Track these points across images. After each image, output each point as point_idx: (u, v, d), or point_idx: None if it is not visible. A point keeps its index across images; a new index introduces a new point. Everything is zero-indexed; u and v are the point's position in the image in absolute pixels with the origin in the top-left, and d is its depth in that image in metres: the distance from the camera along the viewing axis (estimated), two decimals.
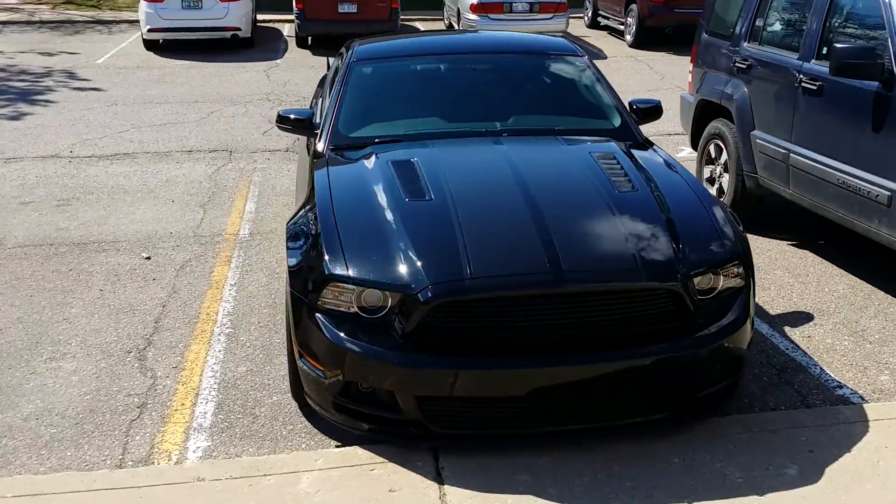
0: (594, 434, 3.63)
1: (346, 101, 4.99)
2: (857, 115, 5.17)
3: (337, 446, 3.86)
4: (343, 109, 4.95)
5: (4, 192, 7.71)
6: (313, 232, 3.88)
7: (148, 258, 6.23)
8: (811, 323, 5.06)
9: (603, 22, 18.54)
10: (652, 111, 5.26)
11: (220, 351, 4.81)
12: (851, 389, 4.35)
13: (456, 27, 17.14)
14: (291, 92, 12.33)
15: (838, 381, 4.43)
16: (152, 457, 3.81)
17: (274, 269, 5.97)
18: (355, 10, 16.13)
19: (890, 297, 5.42)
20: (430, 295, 3.41)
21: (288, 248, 3.95)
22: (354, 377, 3.55)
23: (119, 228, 6.82)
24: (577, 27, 18.59)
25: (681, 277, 3.54)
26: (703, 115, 7.01)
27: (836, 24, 5.60)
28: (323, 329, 3.57)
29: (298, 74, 13.55)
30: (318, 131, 4.94)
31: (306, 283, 3.70)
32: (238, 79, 13.26)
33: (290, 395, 4.16)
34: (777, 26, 6.35)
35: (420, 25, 18.47)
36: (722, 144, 6.66)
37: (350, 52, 5.47)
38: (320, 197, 4.12)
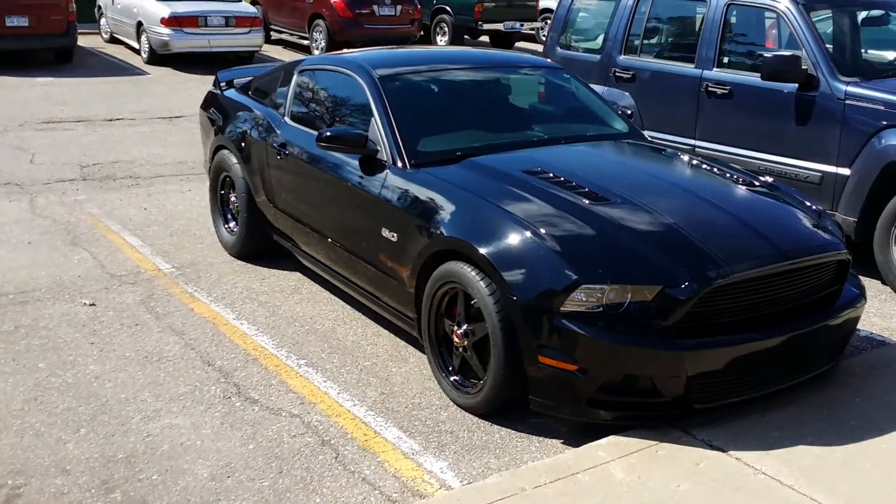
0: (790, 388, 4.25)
1: (397, 118, 4.99)
2: (780, 112, 6.30)
3: (563, 442, 4.04)
4: (399, 126, 4.96)
5: None
6: (521, 241, 3.97)
7: (93, 304, 5.57)
8: None
9: (276, 37, 18.69)
10: (631, 115, 5.96)
11: (328, 379, 4.60)
12: None
13: (135, 45, 16.23)
14: None
15: None
16: (413, 486, 3.69)
17: (257, 298, 5.67)
18: (26, 24, 14.67)
19: None
20: (696, 286, 3.77)
21: (497, 259, 3.96)
22: (620, 370, 3.78)
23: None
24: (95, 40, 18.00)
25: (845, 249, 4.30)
26: None
27: (730, 38, 6.73)
28: (580, 330, 3.75)
29: None
30: (381, 149, 4.89)
31: (544, 289, 3.83)
32: None
33: (445, 407, 4.26)
34: (657, 40, 7.36)
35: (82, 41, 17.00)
36: None
37: (357, 67, 5.39)
38: (490, 211, 4.15)
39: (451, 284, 4.25)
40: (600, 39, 7.67)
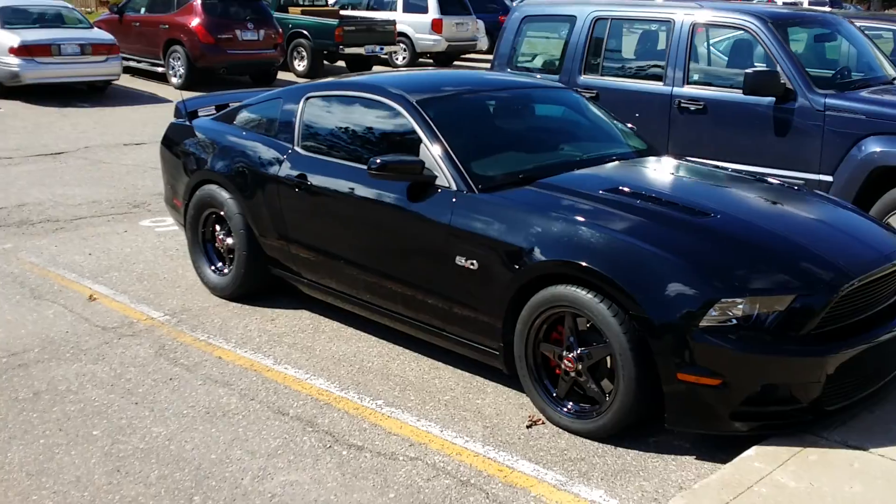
0: None
1: (449, 142, 4.88)
2: (758, 125, 6.63)
3: (696, 458, 4.06)
4: (455, 151, 4.85)
5: None
6: (646, 260, 3.97)
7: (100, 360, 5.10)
8: None
9: (127, 64, 17.73)
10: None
11: (421, 418, 4.41)
12: None
13: None
14: None
15: None
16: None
17: (282, 340, 5.37)
18: None
19: None
20: (827, 293, 3.88)
21: (624, 279, 3.92)
22: (760, 381, 3.85)
23: None
24: None
25: None
26: None
27: (698, 56, 7.03)
28: (722, 344, 3.79)
29: None
30: (440, 175, 4.76)
31: (681, 306, 3.84)
32: None
33: (556, 434, 4.21)
34: (619, 59, 7.56)
35: None
36: None
37: (388, 92, 5.21)
38: (596, 231, 4.12)
39: (556, 309, 4.17)
40: (556, 60, 7.78)
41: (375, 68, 19.59)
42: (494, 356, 4.53)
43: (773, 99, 6.47)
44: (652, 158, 5.34)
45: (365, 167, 4.91)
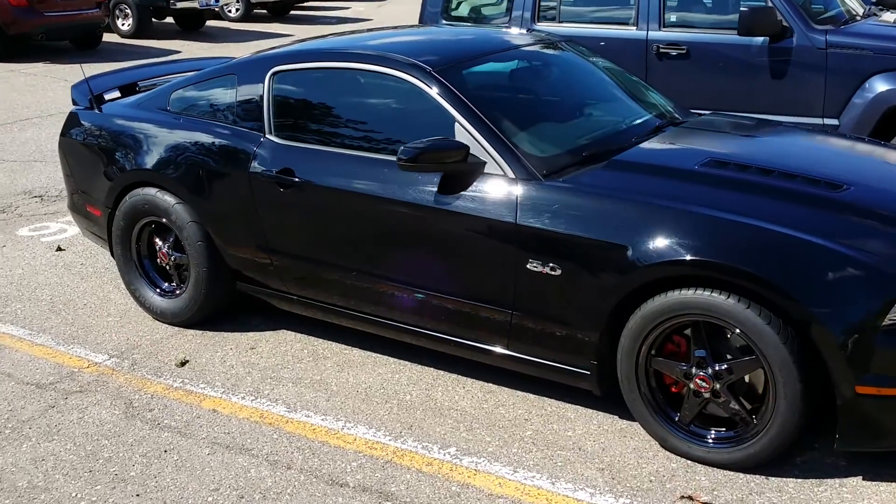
0: None
1: (493, 120, 3.97)
2: (750, 68, 6.04)
3: (863, 478, 3.45)
4: (500, 128, 3.95)
5: None
6: (802, 254, 3.26)
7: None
8: None
9: None
10: None
11: (517, 468, 3.55)
12: None
13: None
14: None
15: None
16: None
17: (279, 376, 4.36)
18: None
19: None
20: None
21: (785, 280, 3.20)
22: None
23: None
24: None
25: None
26: None
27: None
28: None
29: None
30: (489, 161, 3.86)
31: (859, 307, 3.17)
32: None
33: (690, 469, 3.49)
34: (578, 6, 6.74)
35: None
36: None
37: (392, 61, 4.21)
38: (726, 221, 3.38)
39: (680, 319, 3.41)
40: (503, 6, 6.88)
41: (209, 23, 17.92)
42: (582, 377, 3.72)
43: (767, 39, 5.87)
44: (708, 118, 4.66)
45: (376, 156, 4.04)
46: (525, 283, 3.71)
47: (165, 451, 3.74)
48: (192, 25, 17.45)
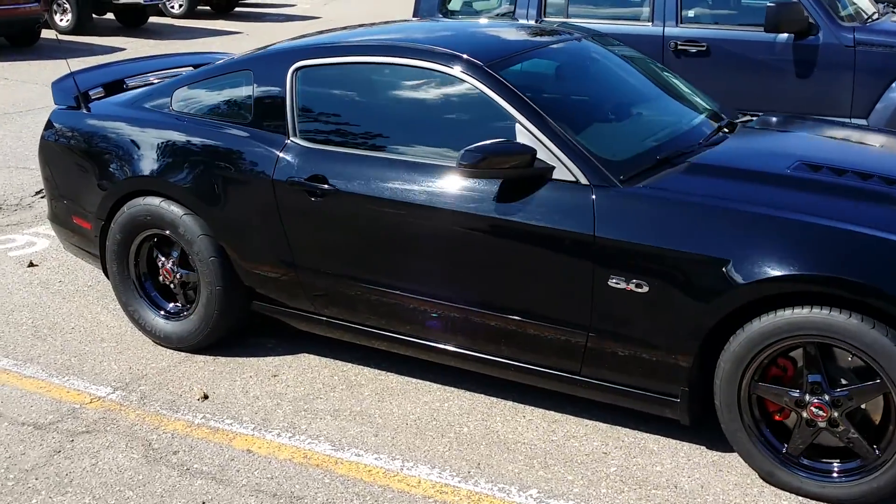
0: None
1: (556, 119, 3.59)
2: (774, 66, 5.77)
3: None
4: (566, 130, 3.57)
5: None
6: None
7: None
8: None
9: None
10: None
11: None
12: None
13: None
14: None
15: None
16: None
17: (314, 408, 3.91)
18: None
19: None
20: None
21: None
22: None
23: None
24: None
25: None
26: None
27: None
28: None
29: None
30: (559, 166, 3.48)
31: None
32: None
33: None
34: (590, 1, 6.39)
35: None
36: None
37: (438, 55, 3.79)
38: (858, 235, 3.06)
39: (790, 341, 3.08)
40: (500, 1, 6.49)
41: (152, 20, 17.16)
42: (670, 404, 3.36)
43: (791, 35, 5.61)
44: (764, 118, 4.33)
45: (422, 161, 3.64)
46: (606, 302, 3.33)
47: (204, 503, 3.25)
48: (134, 22, 16.66)
